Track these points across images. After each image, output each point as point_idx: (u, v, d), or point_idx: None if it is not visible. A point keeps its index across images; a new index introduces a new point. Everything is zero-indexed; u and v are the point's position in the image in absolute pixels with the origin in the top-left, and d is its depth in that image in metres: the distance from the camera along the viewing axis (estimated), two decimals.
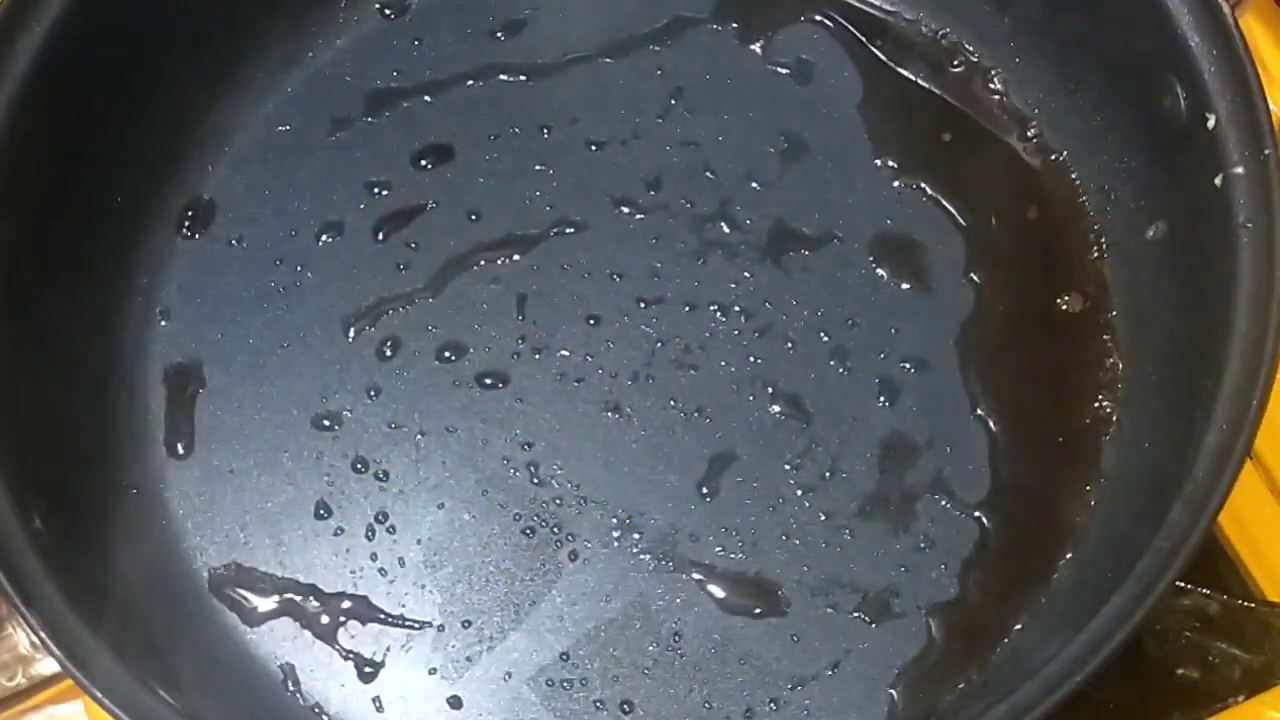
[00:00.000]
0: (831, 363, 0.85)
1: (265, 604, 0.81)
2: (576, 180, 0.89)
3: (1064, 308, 0.85)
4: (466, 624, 0.80)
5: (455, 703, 0.79)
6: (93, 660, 0.69)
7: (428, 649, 0.80)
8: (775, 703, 0.78)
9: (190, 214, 0.89)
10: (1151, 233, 0.81)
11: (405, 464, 0.83)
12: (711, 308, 0.86)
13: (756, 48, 0.91)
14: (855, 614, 0.79)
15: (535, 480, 0.83)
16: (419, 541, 0.82)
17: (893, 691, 0.78)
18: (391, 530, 0.82)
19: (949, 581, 0.80)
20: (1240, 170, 0.72)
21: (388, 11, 0.94)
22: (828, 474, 0.82)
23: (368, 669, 0.79)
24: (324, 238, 0.88)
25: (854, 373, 0.84)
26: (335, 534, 0.82)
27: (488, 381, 0.85)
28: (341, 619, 0.80)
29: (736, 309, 0.86)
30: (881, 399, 0.84)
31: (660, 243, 0.87)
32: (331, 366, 0.85)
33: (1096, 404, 0.83)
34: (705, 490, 0.82)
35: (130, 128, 0.84)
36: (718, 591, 0.80)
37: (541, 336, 0.86)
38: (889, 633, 0.79)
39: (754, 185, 0.88)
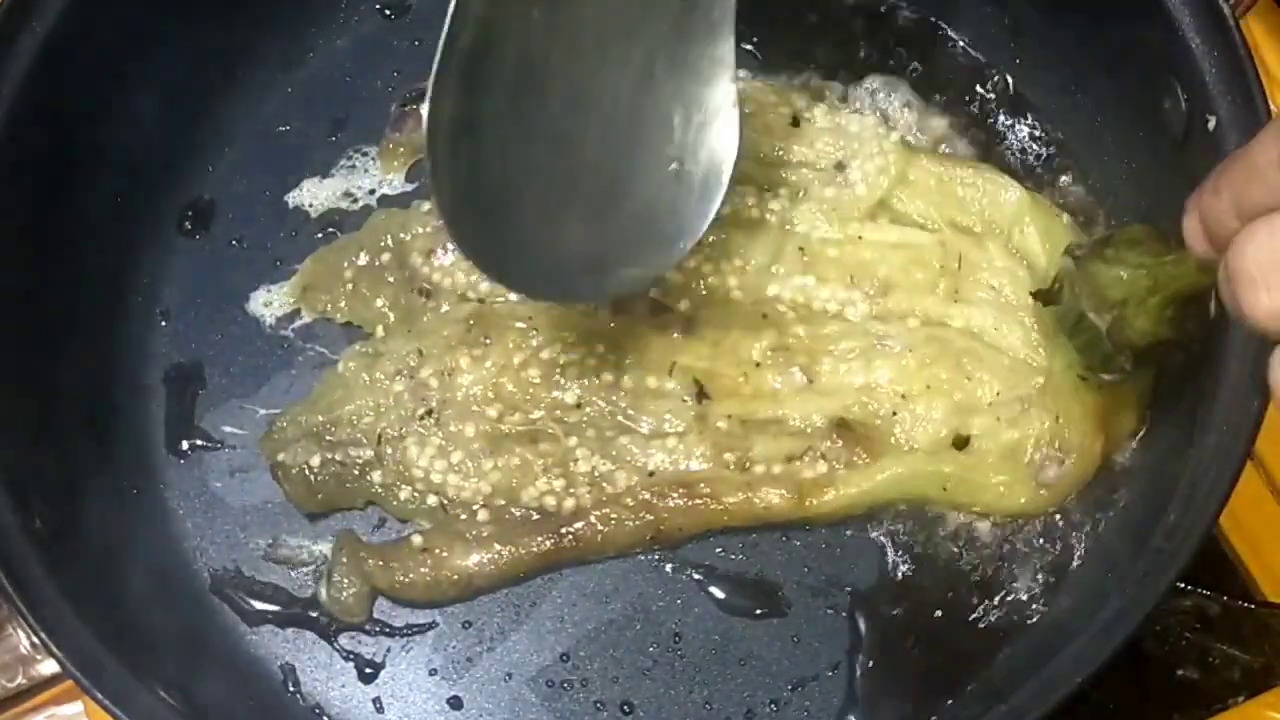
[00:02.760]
0: None
1: (265, 604, 0.81)
2: None
3: None
4: (466, 625, 0.80)
5: (455, 703, 0.79)
6: (93, 660, 0.69)
7: (428, 649, 0.80)
8: (775, 703, 0.78)
9: (190, 214, 0.89)
10: None
11: None
12: None
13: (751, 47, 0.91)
14: (855, 614, 0.79)
15: None
16: None
17: (893, 692, 0.78)
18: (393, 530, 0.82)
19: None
20: None
21: (388, 11, 0.94)
22: None
23: (368, 670, 0.79)
24: (324, 237, 0.88)
25: None
26: (335, 535, 0.82)
27: None
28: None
29: None
30: None
31: None
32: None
33: None
34: None
35: (130, 128, 0.85)
36: (718, 592, 0.80)
37: None
38: (890, 634, 0.79)
39: None
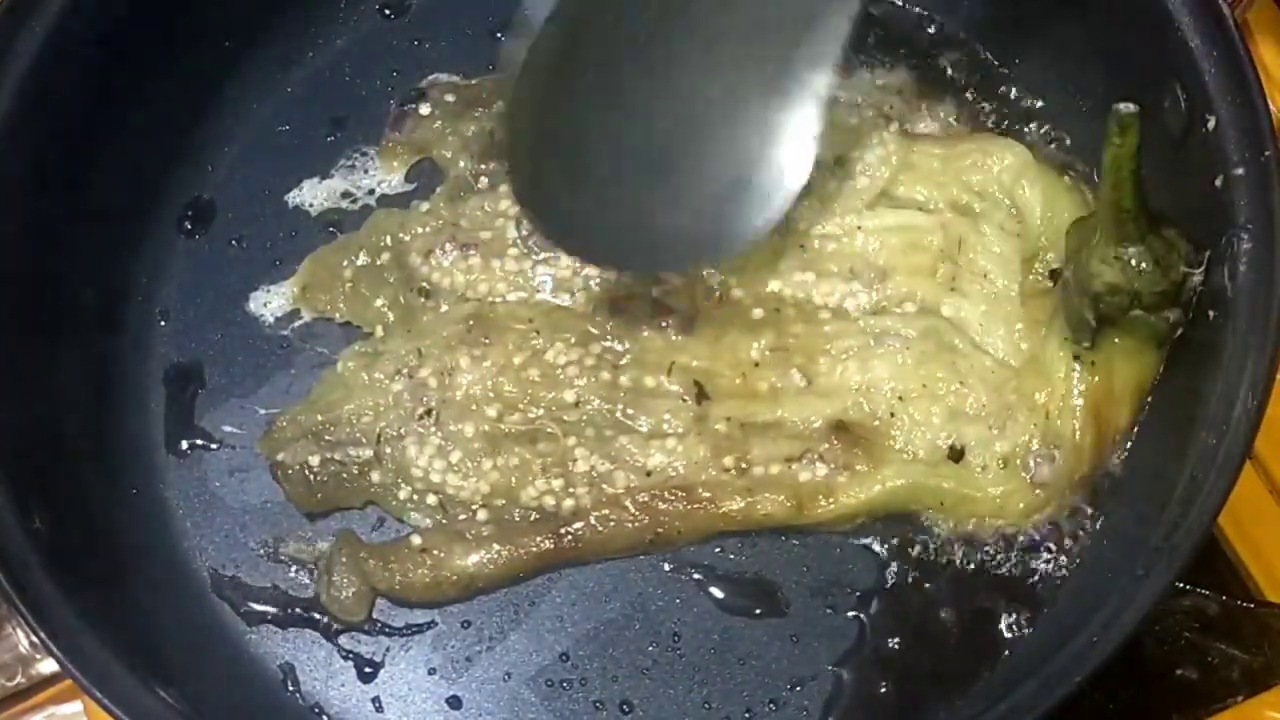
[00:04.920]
0: None
1: (265, 604, 0.81)
2: None
3: None
4: (466, 624, 0.80)
5: (455, 703, 0.79)
6: (93, 660, 0.69)
7: (427, 649, 0.80)
8: (775, 703, 0.78)
9: (190, 214, 0.89)
10: None
11: None
12: None
13: None
14: (854, 614, 0.79)
15: None
16: None
17: (893, 692, 0.78)
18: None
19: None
20: (1240, 172, 0.72)
21: (388, 11, 0.94)
22: None
23: (367, 669, 0.79)
24: (324, 237, 0.88)
25: None
26: (335, 535, 0.82)
27: None
28: None
29: None
30: None
31: None
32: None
33: None
34: None
35: (130, 127, 0.84)
36: (717, 592, 0.80)
37: None
38: (889, 633, 0.79)
39: None
